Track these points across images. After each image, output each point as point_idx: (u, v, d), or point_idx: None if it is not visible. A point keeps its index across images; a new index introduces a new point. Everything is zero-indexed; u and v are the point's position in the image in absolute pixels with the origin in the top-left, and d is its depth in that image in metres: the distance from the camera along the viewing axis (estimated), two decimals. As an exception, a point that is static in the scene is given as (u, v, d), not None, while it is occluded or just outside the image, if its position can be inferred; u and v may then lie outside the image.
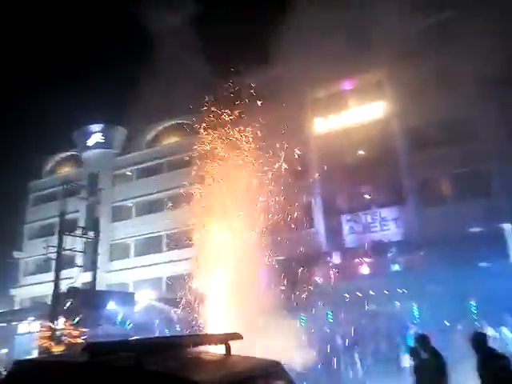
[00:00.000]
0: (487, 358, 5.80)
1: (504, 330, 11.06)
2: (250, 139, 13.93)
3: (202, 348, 3.65)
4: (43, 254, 22.98)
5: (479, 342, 5.98)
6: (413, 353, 7.20)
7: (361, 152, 24.14)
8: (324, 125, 24.97)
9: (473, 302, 14.38)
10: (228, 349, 3.70)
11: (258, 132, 14.26)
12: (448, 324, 13.94)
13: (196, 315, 12.96)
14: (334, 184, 21.78)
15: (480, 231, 18.69)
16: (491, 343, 10.38)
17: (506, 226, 19.13)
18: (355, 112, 24.41)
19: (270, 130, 14.62)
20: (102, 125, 34.77)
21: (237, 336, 3.76)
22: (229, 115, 14.17)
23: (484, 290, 12.97)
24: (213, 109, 13.90)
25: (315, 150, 24.04)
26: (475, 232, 18.71)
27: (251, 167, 13.95)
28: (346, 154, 23.43)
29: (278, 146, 14.66)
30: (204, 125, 13.94)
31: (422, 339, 7.12)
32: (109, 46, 54.24)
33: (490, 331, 11.45)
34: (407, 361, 8.78)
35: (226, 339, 3.70)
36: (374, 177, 22.44)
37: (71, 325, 18.11)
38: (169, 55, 31.89)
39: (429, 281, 15.75)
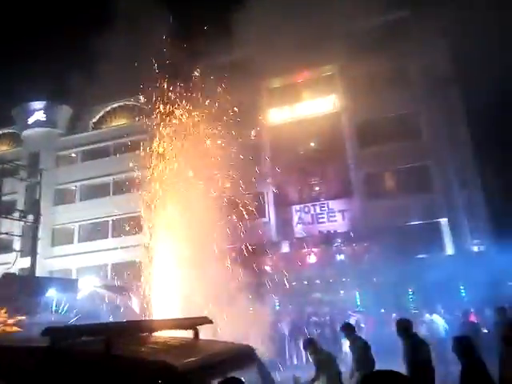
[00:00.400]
0: (414, 343, 5.93)
1: (435, 316, 11.88)
2: (202, 120, 13.82)
3: (168, 333, 3.53)
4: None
5: (404, 328, 6.10)
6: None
7: (312, 144, 24.68)
8: (277, 115, 25.22)
9: (410, 291, 15.32)
10: (196, 333, 3.57)
11: (211, 115, 14.15)
12: (383, 311, 14.73)
13: (144, 303, 12.77)
14: (285, 175, 22.13)
15: (419, 224, 19.87)
16: (425, 329, 11.19)
17: (443, 221, 20.48)
18: (308, 104, 24.83)
19: (224, 114, 14.54)
20: (44, 102, 32.71)
21: (206, 320, 3.67)
22: (181, 94, 13.92)
23: (421, 280, 13.84)
24: (164, 85, 13.59)
25: (268, 139, 24.26)
26: (415, 225, 19.86)
27: (203, 150, 13.84)
28: (297, 146, 23.84)
29: (232, 132, 14.66)
30: (155, 102, 13.62)
31: (345, 328, 7.34)
32: (57, 17, 51.00)
33: (426, 317, 12.21)
34: (347, 346, 9.17)
35: (194, 324, 3.59)
36: (324, 169, 23.12)
37: (5, 312, 17.16)
38: (121, 31, 30.43)
39: (371, 271, 16.55)
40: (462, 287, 16.05)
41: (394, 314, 13.78)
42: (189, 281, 12.67)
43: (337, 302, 16.68)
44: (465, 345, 5.00)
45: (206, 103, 14.06)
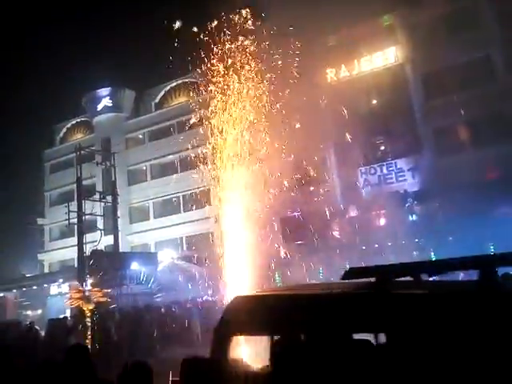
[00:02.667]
0: None
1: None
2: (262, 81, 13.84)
3: None
4: (65, 220, 23.65)
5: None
6: None
7: (374, 101, 23.57)
8: (336, 74, 24.24)
9: (492, 247, 14.44)
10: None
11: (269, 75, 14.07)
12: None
13: (217, 272, 13.43)
14: (347, 135, 21.48)
15: (497, 179, 18.36)
16: None
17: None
18: (367, 60, 23.55)
19: (282, 74, 14.34)
20: (109, 88, 34.42)
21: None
22: (239, 61, 13.97)
23: (502, 238, 12.97)
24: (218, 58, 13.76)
25: (327, 99, 23.52)
26: (492, 180, 18.40)
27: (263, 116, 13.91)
28: (359, 104, 22.86)
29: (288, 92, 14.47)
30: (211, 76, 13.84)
31: None
32: (112, 9, 52.57)
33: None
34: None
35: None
36: (389, 126, 22.00)
37: (97, 285, 18.93)
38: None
39: (445, 230, 15.81)
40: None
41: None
42: (257, 248, 13.08)
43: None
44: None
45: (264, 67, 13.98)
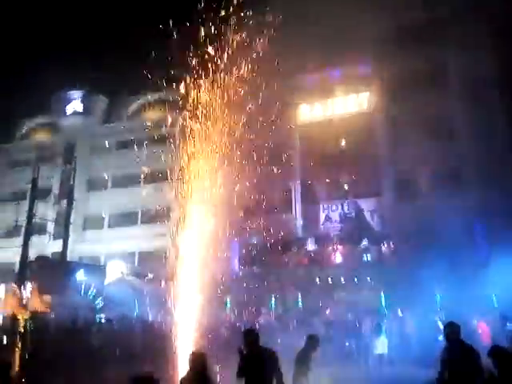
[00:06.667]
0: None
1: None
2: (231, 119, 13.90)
3: None
4: (15, 221, 22.46)
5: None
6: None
7: (343, 142, 24.31)
8: (308, 111, 24.99)
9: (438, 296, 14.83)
10: None
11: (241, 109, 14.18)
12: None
13: (167, 292, 12.97)
14: (313, 172, 21.93)
15: (451, 228, 19.08)
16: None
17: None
18: (340, 101, 24.47)
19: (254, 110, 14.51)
20: (82, 91, 33.68)
21: None
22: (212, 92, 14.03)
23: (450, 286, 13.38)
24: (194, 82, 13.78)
25: (298, 135, 24.12)
26: (446, 230, 19.08)
27: (234, 140, 13.93)
28: (328, 143, 23.51)
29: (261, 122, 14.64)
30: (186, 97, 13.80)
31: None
32: (96, 8, 52.30)
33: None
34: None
35: None
36: (354, 167, 22.67)
37: (37, 291, 17.79)
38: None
39: (397, 273, 16.16)
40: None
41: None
42: (211, 276, 12.79)
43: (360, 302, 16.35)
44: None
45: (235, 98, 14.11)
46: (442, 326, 6.27)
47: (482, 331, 12.60)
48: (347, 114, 23.71)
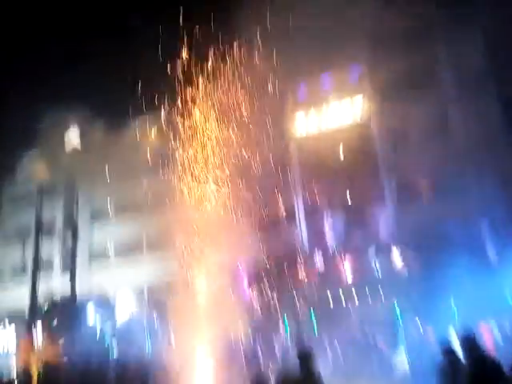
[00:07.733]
0: None
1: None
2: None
3: None
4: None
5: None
6: None
7: (341, 151, 24.24)
8: (304, 123, 24.94)
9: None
10: None
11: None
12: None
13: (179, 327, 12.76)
14: (314, 184, 21.89)
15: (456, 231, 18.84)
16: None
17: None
18: (335, 107, 24.31)
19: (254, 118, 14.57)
20: (76, 126, 33.81)
21: None
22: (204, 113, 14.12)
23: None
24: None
25: (295, 149, 24.16)
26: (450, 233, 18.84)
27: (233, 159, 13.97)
28: (326, 154, 23.47)
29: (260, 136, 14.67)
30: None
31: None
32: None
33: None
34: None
35: None
36: (354, 177, 22.54)
37: (48, 337, 17.54)
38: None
39: (409, 281, 15.95)
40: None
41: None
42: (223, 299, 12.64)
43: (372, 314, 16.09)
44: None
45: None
46: (456, 336, 6.12)
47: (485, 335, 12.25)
48: (343, 123, 23.71)
